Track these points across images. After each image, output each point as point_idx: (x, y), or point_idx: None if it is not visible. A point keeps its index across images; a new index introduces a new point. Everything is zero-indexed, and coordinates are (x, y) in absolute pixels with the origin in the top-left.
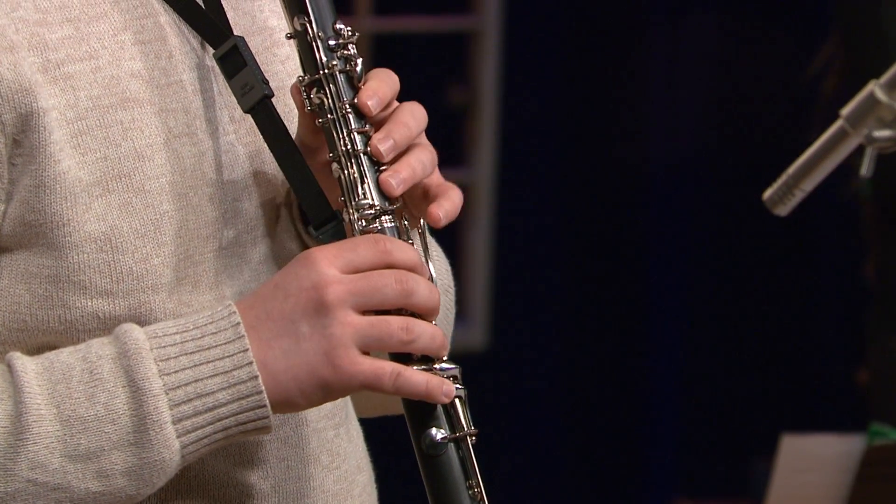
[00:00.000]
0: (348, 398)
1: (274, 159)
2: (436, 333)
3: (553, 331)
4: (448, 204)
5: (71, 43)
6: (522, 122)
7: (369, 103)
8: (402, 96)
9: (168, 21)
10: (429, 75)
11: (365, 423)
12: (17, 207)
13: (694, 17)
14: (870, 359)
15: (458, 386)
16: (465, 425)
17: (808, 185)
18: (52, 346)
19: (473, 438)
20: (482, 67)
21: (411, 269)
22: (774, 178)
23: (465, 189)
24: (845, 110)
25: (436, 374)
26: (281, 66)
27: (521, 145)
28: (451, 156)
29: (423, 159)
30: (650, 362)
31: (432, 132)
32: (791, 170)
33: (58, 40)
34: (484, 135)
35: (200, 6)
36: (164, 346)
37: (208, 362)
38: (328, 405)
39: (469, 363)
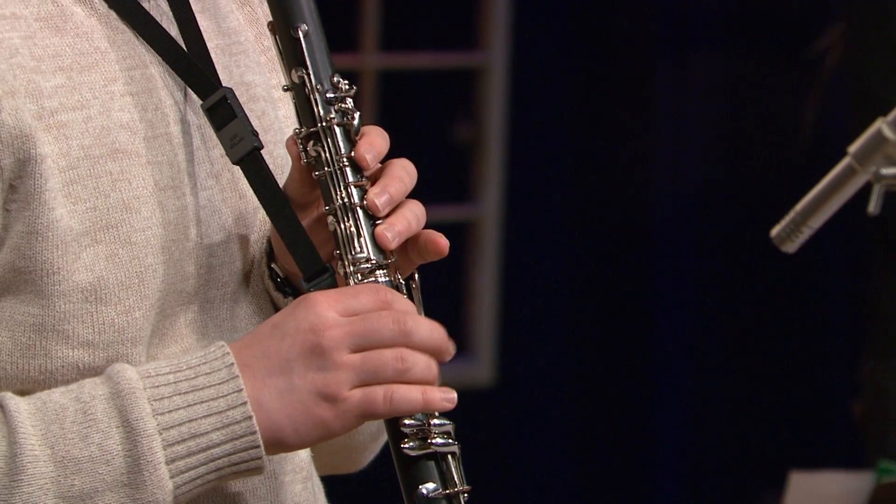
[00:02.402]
0: (309, 452)
1: (249, 215)
2: (431, 364)
3: (559, 366)
4: (442, 237)
5: (64, 92)
6: (529, 159)
7: (367, 157)
8: (409, 132)
9: (157, 73)
10: (435, 111)
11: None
12: (9, 254)
13: (701, 52)
14: (864, 392)
15: (451, 441)
16: (457, 482)
17: (816, 221)
18: (28, 395)
19: (466, 496)
20: (489, 104)
21: None
22: (780, 214)
23: (471, 225)
24: (853, 147)
25: (430, 426)
26: (257, 120)
27: (527, 181)
28: (458, 192)
29: (417, 213)
30: (658, 398)
31: (439, 168)
32: (799, 207)
33: (51, 88)
34: (490, 171)
35: (189, 57)
36: (158, 386)
37: (202, 402)
38: (297, 458)
39: (475, 399)
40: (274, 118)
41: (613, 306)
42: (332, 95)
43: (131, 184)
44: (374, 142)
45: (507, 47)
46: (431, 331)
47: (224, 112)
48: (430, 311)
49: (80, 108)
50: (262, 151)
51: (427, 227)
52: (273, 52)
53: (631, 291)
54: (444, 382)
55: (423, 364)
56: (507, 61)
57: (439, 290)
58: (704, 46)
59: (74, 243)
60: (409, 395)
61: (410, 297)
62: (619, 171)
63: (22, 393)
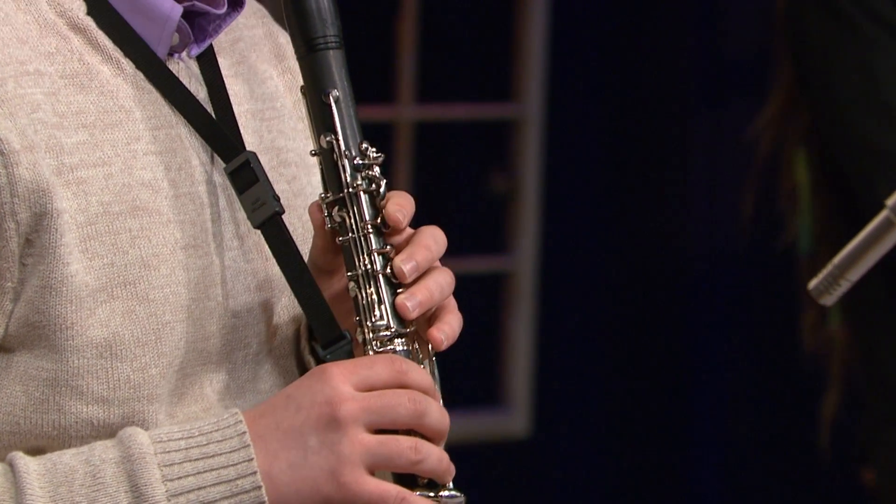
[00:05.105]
0: None
1: (276, 278)
2: (443, 457)
3: (596, 419)
4: (448, 328)
5: (85, 148)
6: (564, 210)
7: (398, 216)
8: (445, 184)
9: (181, 133)
10: (471, 163)
11: None
12: (24, 308)
13: (736, 104)
14: (874, 457)
15: None
16: None
17: (854, 275)
18: (42, 452)
19: None
20: (525, 155)
21: (424, 393)
22: (816, 268)
23: (507, 276)
24: (890, 200)
25: (441, 501)
26: (287, 185)
27: (563, 233)
28: (493, 243)
29: (441, 282)
30: (692, 453)
31: (474, 219)
32: (836, 260)
33: (73, 145)
34: (526, 222)
35: (213, 120)
36: (169, 452)
37: (212, 470)
38: None
39: (511, 451)
40: (306, 183)
41: (650, 358)
42: (359, 162)
43: (151, 241)
44: (404, 203)
45: (543, 99)
46: (441, 415)
47: (247, 176)
48: (464, 363)
49: (102, 164)
50: (293, 216)
51: (462, 278)
52: None
53: (668, 342)
54: (481, 435)
55: (436, 457)
56: (543, 113)
57: (474, 342)
58: (739, 98)
59: (90, 298)
60: None
61: (430, 369)
62: (655, 222)
63: (36, 449)
